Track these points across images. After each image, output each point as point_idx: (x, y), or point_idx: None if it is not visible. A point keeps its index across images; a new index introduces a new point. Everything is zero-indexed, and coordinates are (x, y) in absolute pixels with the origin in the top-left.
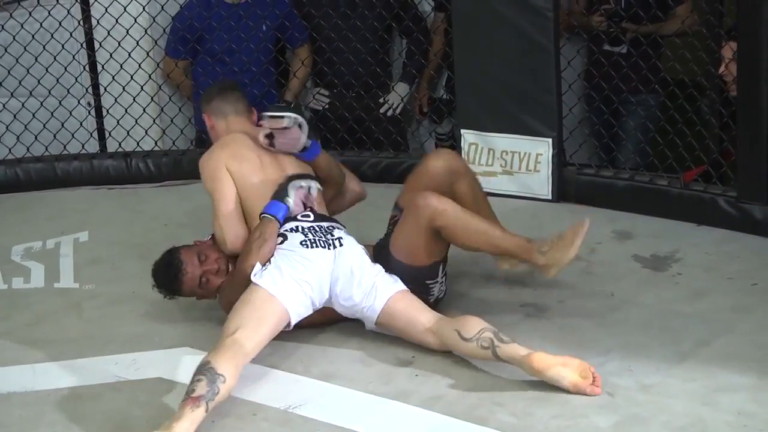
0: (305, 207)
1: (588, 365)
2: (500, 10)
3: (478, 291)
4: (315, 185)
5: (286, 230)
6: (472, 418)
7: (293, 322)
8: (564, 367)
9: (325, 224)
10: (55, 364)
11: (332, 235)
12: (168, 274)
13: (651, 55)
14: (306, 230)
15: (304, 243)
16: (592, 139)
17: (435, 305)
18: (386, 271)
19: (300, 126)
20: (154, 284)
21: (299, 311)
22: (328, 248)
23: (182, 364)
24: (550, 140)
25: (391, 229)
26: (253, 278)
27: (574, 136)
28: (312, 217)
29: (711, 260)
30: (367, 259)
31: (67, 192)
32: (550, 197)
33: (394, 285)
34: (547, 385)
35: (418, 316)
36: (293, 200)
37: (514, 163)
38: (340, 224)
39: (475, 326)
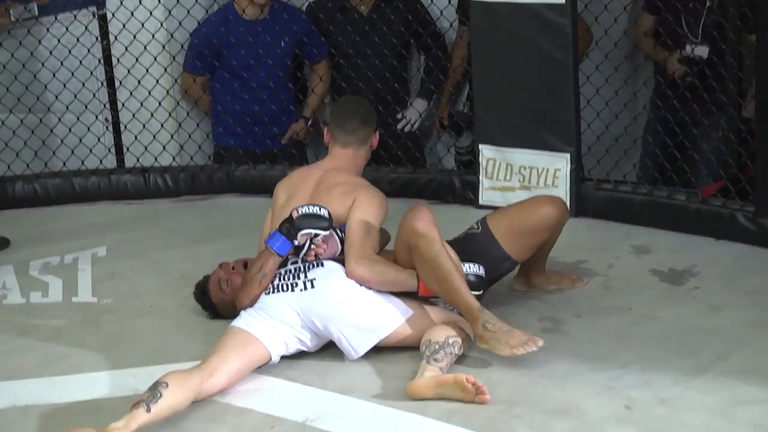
0: (308, 249)
1: (464, 378)
2: (518, 27)
3: (496, 305)
4: (322, 233)
5: None
6: (490, 430)
7: (271, 349)
8: (441, 388)
9: (304, 264)
10: (73, 378)
11: (305, 276)
12: (199, 287)
13: (725, 76)
14: (281, 274)
15: (267, 290)
16: (646, 159)
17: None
18: None
19: (333, 229)
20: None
21: (270, 337)
22: (291, 290)
23: None
24: (568, 155)
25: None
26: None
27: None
28: (298, 261)
29: (729, 275)
30: (353, 300)
31: (85, 207)
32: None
33: (387, 325)
34: (565, 398)
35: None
36: (299, 241)
37: (532, 178)
38: (336, 263)
39: (423, 340)
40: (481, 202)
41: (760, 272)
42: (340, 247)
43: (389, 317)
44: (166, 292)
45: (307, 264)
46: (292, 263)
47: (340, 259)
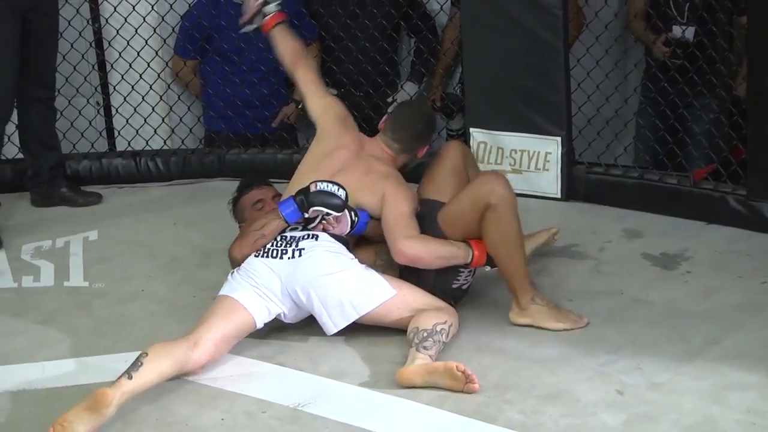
0: (317, 224)
1: (453, 366)
2: (509, 9)
3: (489, 288)
4: (334, 213)
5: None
6: (482, 416)
7: (255, 316)
8: (430, 376)
9: (299, 234)
10: (65, 362)
11: (296, 245)
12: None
13: (715, 58)
14: (276, 240)
15: (258, 252)
16: (638, 142)
17: (456, 298)
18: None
19: (347, 209)
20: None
21: (254, 303)
22: (279, 257)
23: None
24: (559, 139)
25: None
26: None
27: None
28: (299, 228)
29: (720, 258)
30: (337, 274)
31: None
32: (559, 196)
33: (369, 302)
34: (557, 383)
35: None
36: (309, 214)
37: (523, 161)
38: (333, 240)
39: (410, 328)
40: None
41: (751, 256)
42: (348, 228)
43: (372, 295)
44: (158, 276)
45: (303, 234)
46: (291, 230)
47: (345, 239)
